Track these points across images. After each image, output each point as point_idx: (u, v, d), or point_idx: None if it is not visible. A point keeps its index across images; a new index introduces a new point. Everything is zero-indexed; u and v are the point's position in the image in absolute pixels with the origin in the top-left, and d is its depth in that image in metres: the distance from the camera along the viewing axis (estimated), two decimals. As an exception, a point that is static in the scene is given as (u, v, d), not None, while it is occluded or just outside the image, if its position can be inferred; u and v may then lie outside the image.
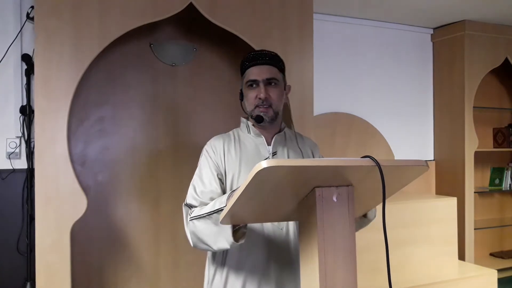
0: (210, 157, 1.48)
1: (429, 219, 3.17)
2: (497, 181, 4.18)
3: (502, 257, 4.02)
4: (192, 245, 1.39)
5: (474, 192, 3.80)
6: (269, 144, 1.52)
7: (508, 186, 4.15)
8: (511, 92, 4.40)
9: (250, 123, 1.54)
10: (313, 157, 1.60)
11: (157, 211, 2.67)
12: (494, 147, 4.24)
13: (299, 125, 2.49)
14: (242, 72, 1.52)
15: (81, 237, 2.42)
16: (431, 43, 4.07)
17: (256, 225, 1.43)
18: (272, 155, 1.50)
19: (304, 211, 1.10)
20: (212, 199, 1.40)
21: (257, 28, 2.42)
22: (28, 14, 2.46)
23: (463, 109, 3.75)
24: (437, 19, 3.78)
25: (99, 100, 2.54)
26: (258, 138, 1.52)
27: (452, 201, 3.30)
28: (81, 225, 2.19)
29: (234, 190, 1.28)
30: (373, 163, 0.99)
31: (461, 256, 3.52)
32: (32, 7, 2.38)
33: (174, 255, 2.69)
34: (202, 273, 2.64)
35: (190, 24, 2.67)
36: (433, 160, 4.05)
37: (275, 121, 1.50)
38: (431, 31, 4.05)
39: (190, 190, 1.46)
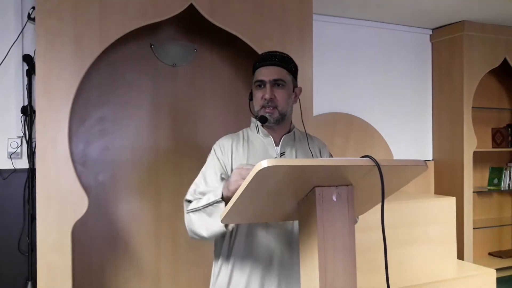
0: (217, 157, 1.51)
1: (428, 219, 3.18)
2: (495, 181, 4.19)
3: (501, 257, 4.03)
4: (190, 235, 1.44)
5: (473, 192, 3.81)
6: (277, 145, 1.53)
7: (506, 185, 4.16)
8: (510, 92, 4.41)
9: (259, 123, 1.55)
10: (321, 156, 1.61)
11: (158, 211, 2.68)
12: (492, 147, 4.25)
13: (299, 125, 2.50)
14: (253, 72, 1.54)
15: (82, 236, 2.43)
16: (430, 44, 4.08)
17: (260, 225, 1.44)
18: (280, 156, 1.51)
19: (304, 210, 1.11)
20: None
21: (257, 28, 2.43)
22: (29, 15, 2.47)
23: (462, 109, 3.76)
24: (436, 20, 3.79)
25: (100, 100, 2.55)
26: (267, 138, 1.54)
27: (451, 201, 3.31)
28: (82, 224, 2.20)
29: (227, 181, 1.32)
30: (372, 163, 1.00)
31: (460, 256, 3.53)
32: (33, 7, 2.39)
33: (175, 254, 2.70)
34: (202, 273, 2.67)
35: (191, 24, 2.67)
36: (432, 160, 4.06)
37: (281, 122, 1.51)
38: (430, 32, 4.06)
39: (192, 186, 1.49)
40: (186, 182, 1.54)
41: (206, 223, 1.35)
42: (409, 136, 3.97)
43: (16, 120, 2.50)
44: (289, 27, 2.51)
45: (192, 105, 2.75)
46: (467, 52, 3.75)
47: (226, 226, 1.31)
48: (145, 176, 2.65)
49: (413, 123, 4.00)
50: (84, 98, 2.47)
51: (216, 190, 1.36)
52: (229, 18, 2.36)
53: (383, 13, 3.57)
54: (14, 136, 2.51)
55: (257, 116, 1.50)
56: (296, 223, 1.48)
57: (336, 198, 1.06)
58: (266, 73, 1.49)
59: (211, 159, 1.52)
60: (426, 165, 1.10)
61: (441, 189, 3.95)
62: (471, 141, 3.77)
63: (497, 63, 3.89)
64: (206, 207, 1.35)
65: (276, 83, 1.49)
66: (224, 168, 1.49)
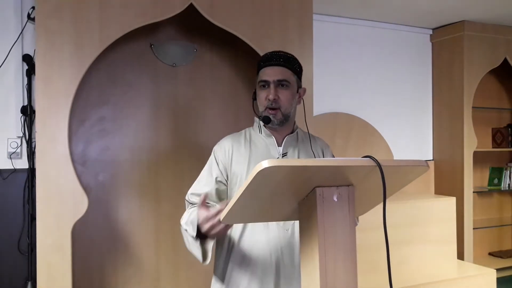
0: (215, 158, 1.51)
1: (428, 219, 3.18)
2: (496, 181, 4.19)
3: (501, 257, 4.03)
4: None
5: (473, 192, 3.81)
6: (279, 145, 1.52)
7: (507, 185, 4.16)
8: (510, 92, 4.41)
9: (262, 123, 1.54)
10: (323, 157, 1.60)
11: (157, 211, 2.67)
12: (493, 147, 4.25)
13: (299, 125, 2.50)
14: (257, 71, 1.53)
15: (82, 236, 2.43)
16: (430, 44, 4.08)
17: (260, 226, 1.44)
18: (282, 156, 1.51)
19: (304, 211, 1.10)
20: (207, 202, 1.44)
21: (257, 28, 2.43)
22: (29, 15, 2.46)
23: (462, 109, 3.76)
24: (436, 20, 3.79)
25: (100, 100, 2.55)
26: (269, 138, 1.53)
27: (451, 201, 3.31)
28: (82, 224, 2.20)
29: (197, 207, 1.35)
30: (373, 163, 1.00)
31: (460, 256, 3.53)
32: (33, 7, 2.39)
33: (175, 254, 2.70)
34: (202, 273, 2.66)
35: (191, 24, 2.67)
36: (432, 160, 4.06)
37: (285, 123, 1.50)
38: (431, 32, 4.05)
39: (192, 186, 1.53)
40: (186, 182, 1.54)
41: (189, 243, 1.39)
42: (409, 136, 3.97)
43: (16, 120, 2.50)
44: (289, 26, 2.51)
45: (192, 105, 2.75)
46: (467, 52, 3.75)
47: (204, 258, 1.37)
48: (145, 176, 2.65)
49: (413, 123, 4.00)
50: (84, 98, 2.47)
51: (193, 220, 1.35)
52: (229, 18, 2.36)
53: (383, 13, 3.57)
54: (14, 136, 2.50)
55: (260, 116, 1.49)
56: (296, 223, 1.48)
57: (337, 198, 1.06)
58: (270, 73, 1.48)
59: (210, 161, 1.54)
60: (428, 166, 1.10)
61: (441, 189, 3.95)
62: (471, 141, 3.77)
63: (497, 63, 3.89)
64: (186, 230, 1.39)
65: (281, 83, 1.47)
66: (224, 169, 1.49)
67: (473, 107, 3.79)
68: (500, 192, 4.28)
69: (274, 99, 1.45)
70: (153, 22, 2.23)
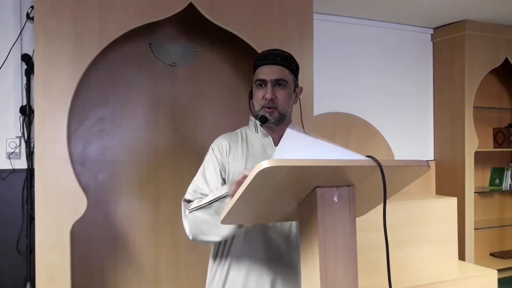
0: (215, 156, 1.48)
1: (429, 219, 3.17)
2: (497, 181, 4.18)
3: (502, 257, 4.02)
4: (191, 237, 1.39)
5: (474, 192, 3.80)
6: (276, 145, 1.50)
7: (508, 186, 4.15)
8: (511, 92, 4.40)
9: (258, 123, 1.53)
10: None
11: (157, 211, 2.67)
12: (494, 147, 4.24)
13: (299, 125, 2.49)
14: (254, 70, 1.51)
15: (81, 237, 2.42)
16: (431, 43, 4.07)
17: (257, 226, 1.43)
18: None
19: (304, 211, 1.10)
20: None
21: (257, 28, 2.42)
22: (28, 14, 2.46)
23: (463, 109, 3.75)
24: (437, 19, 3.78)
25: (99, 100, 2.54)
26: (266, 138, 1.52)
27: (452, 201, 3.30)
28: (81, 225, 2.19)
29: (235, 181, 1.27)
30: (374, 163, 0.99)
31: (461, 256, 3.52)
32: (32, 7, 2.38)
33: (174, 254, 2.69)
34: (202, 273, 2.65)
35: (190, 24, 2.67)
36: (433, 160, 4.05)
37: (281, 123, 1.49)
38: (431, 31, 4.05)
39: (191, 186, 1.47)
40: (186, 181, 1.52)
41: (215, 223, 1.31)
42: (410, 136, 3.96)
43: (14, 120, 2.49)
44: (289, 26, 2.50)
45: (191, 105, 2.75)
46: (468, 52, 3.74)
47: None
48: (144, 176, 2.64)
49: (414, 122, 3.99)
50: (83, 97, 2.46)
51: (222, 187, 1.34)
52: (229, 17, 2.35)
53: (383, 12, 3.56)
54: (12, 136, 2.50)
55: (257, 115, 1.48)
56: (294, 223, 1.47)
57: (337, 198, 1.05)
58: (267, 72, 1.46)
59: (209, 158, 1.50)
60: (429, 166, 1.09)
61: (442, 189, 3.94)
62: (473, 141, 3.76)
63: (498, 63, 3.88)
64: (212, 202, 1.32)
65: (278, 82, 1.46)
66: (222, 167, 1.47)
67: (474, 107, 3.78)
68: (502, 192, 4.27)
69: (272, 98, 1.44)
70: (152, 22, 2.22)
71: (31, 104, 2.44)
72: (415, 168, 1.08)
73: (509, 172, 4.16)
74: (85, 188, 2.13)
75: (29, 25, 2.48)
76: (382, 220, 1.02)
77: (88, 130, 2.53)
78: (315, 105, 2.61)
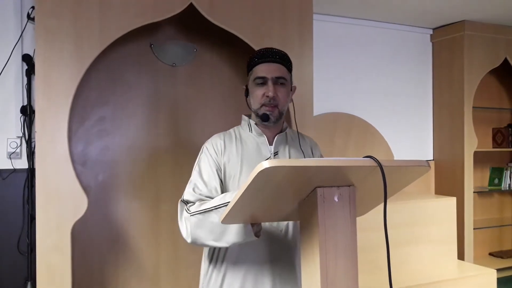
0: (211, 155, 1.46)
1: (429, 219, 3.18)
2: (496, 181, 4.19)
3: (501, 257, 4.03)
4: (190, 240, 1.35)
5: (474, 192, 3.81)
6: (270, 144, 1.50)
7: (507, 186, 4.16)
8: (510, 92, 4.41)
9: (252, 122, 1.52)
10: (313, 155, 1.59)
11: (157, 211, 2.67)
12: (493, 147, 4.25)
13: (299, 125, 2.49)
14: (250, 67, 1.49)
15: (82, 237, 2.43)
16: (430, 44, 4.08)
17: None
18: (274, 155, 1.49)
19: (305, 211, 1.10)
20: (210, 197, 1.38)
21: (257, 28, 2.42)
22: (28, 15, 2.46)
23: (463, 109, 3.75)
24: (436, 20, 3.79)
25: (99, 100, 2.54)
26: (260, 137, 1.51)
27: (452, 201, 3.31)
28: (81, 225, 2.19)
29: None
30: (374, 164, 0.99)
31: (461, 256, 3.52)
32: (33, 7, 2.38)
33: (175, 254, 2.70)
34: (202, 273, 2.66)
35: (191, 24, 2.67)
36: (433, 160, 4.06)
37: (279, 121, 1.49)
38: (431, 32, 4.05)
39: (188, 187, 1.44)
40: (186, 181, 1.52)
41: (221, 228, 1.28)
42: (409, 136, 3.97)
43: (15, 120, 2.49)
44: (289, 26, 2.51)
45: (192, 105, 2.75)
46: (467, 52, 3.74)
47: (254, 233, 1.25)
48: (145, 176, 2.65)
49: (413, 123, 4.00)
50: (83, 98, 2.46)
51: (231, 192, 1.32)
52: (229, 18, 2.36)
53: (383, 12, 3.57)
54: (13, 136, 2.50)
55: (257, 114, 1.46)
56: (289, 224, 1.47)
57: (338, 198, 1.06)
58: (268, 70, 1.45)
59: (204, 157, 1.47)
60: (429, 166, 1.10)
61: (442, 189, 3.95)
62: (472, 141, 3.77)
63: (497, 63, 3.88)
64: (220, 207, 1.29)
65: (278, 81, 1.46)
66: (218, 167, 1.45)
67: (473, 107, 3.79)
68: (501, 192, 4.28)
69: (273, 96, 1.43)
70: (153, 22, 2.22)
71: (32, 104, 2.44)
72: (415, 168, 1.09)
73: (508, 172, 4.17)
74: (85, 188, 2.14)
75: (29, 25, 2.48)
76: (382, 220, 1.02)
77: (88, 130, 2.53)
78: (315, 105, 2.62)
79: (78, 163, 2.47)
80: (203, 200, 1.39)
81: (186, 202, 1.41)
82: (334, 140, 3.54)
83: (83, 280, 2.47)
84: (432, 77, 4.08)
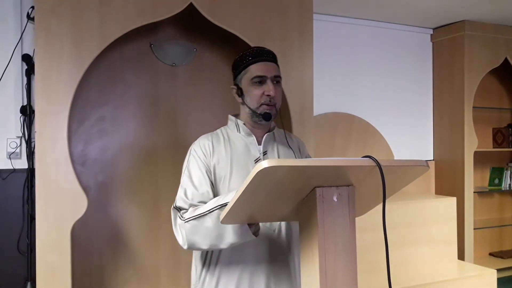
0: (199, 157, 1.44)
1: (429, 219, 3.18)
2: (496, 181, 4.19)
3: (502, 257, 4.03)
4: (186, 247, 1.34)
5: (474, 192, 3.80)
6: (259, 144, 1.49)
7: (507, 186, 4.15)
8: (510, 92, 4.41)
9: (240, 122, 1.50)
10: (300, 154, 1.59)
11: (157, 211, 2.67)
12: (493, 147, 4.25)
13: (299, 125, 2.50)
14: (243, 66, 1.47)
15: (82, 237, 2.43)
16: (430, 43, 4.07)
17: None
18: (263, 155, 1.49)
19: (304, 211, 1.10)
20: (203, 202, 1.36)
21: (257, 28, 2.42)
22: (28, 14, 2.46)
23: (463, 109, 3.75)
24: (436, 19, 3.78)
25: (99, 100, 2.54)
26: (249, 137, 1.49)
27: (452, 201, 3.31)
28: (81, 225, 2.20)
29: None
30: (373, 163, 0.99)
31: (461, 256, 3.52)
32: (32, 7, 2.38)
33: (174, 254, 2.69)
34: (202, 273, 2.66)
35: (191, 24, 2.67)
36: (433, 160, 4.06)
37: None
38: (431, 31, 4.05)
39: (180, 192, 1.41)
40: (186, 182, 1.52)
41: (218, 231, 1.26)
42: (409, 136, 3.96)
43: (15, 120, 2.50)
44: (289, 26, 2.51)
45: (192, 105, 2.75)
46: (467, 52, 3.74)
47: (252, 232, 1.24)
48: (145, 176, 2.65)
49: (413, 123, 3.99)
50: (83, 98, 2.46)
51: (224, 195, 1.30)
52: (229, 18, 2.36)
53: (383, 12, 3.57)
54: (13, 136, 2.50)
55: (257, 113, 1.45)
56: (282, 224, 1.46)
57: (337, 198, 1.06)
58: (266, 69, 1.44)
59: (193, 160, 1.44)
60: (428, 166, 1.10)
61: (442, 189, 3.95)
62: (472, 141, 3.77)
63: (498, 63, 3.88)
64: (213, 210, 1.27)
65: (276, 80, 1.46)
66: (208, 169, 1.43)
67: (473, 107, 3.79)
68: (501, 192, 4.28)
69: (274, 95, 1.43)
70: (153, 22, 2.22)
71: (31, 104, 2.44)
72: (414, 168, 1.09)
73: (509, 172, 4.16)
74: (85, 188, 2.14)
75: (29, 25, 2.48)
76: (381, 220, 1.02)
77: (88, 130, 2.53)
78: (315, 105, 2.62)
79: (78, 163, 2.47)
80: (195, 205, 1.37)
81: (179, 209, 1.39)
82: (334, 140, 3.54)
83: (82, 280, 2.47)
84: (432, 77, 4.08)
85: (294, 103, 2.48)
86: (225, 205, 1.24)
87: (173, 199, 2.70)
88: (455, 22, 3.82)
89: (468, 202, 3.72)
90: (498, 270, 3.31)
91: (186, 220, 1.33)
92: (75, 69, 2.07)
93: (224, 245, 1.29)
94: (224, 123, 1.62)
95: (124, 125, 2.60)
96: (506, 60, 3.91)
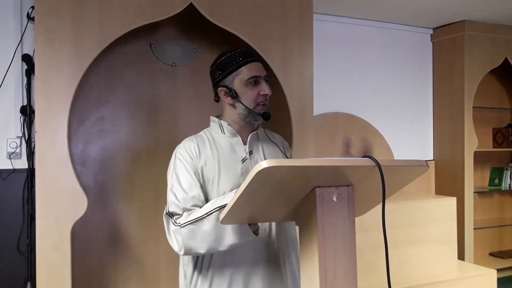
0: (186, 160, 1.42)
1: (429, 219, 3.18)
2: (496, 181, 4.19)
3: (502, 257, 4.03)
4: (182, 252, 1.32)
5: (474, 192, 3.80)
6: (244, 143, 1.49)
7: (507, 186, 4.16)
8: (510, 92, 4.41)
9: (224, 123, 1.50)
10: (285, 150, 1.61)
11: (157, 211, 2.67)
12: (493, 147, 4.25)
13: (299, 125, 2.50)
14: (234, 68, 1.45)
15: (82, 237, 2.43)
16: (430, 43, 4.08)
17: None
18: (249, 154, 1.49)
19: (304, 211, 1.10)
20: (195, 205, 1.35)
21: (257, 28, 2.42)
22: (28, 14, 2.46)
23: (463, 109, 3.75)
24: (436, 19, 3.78)
25: (99, 100, 2.54)
26: (234, 137, 1.49)
27: (452, 201, 3.31)
28: (81, 225, 2.19)
29: (236, 191, 1.23)
30: (373, 163, 0.99)
31: (461, 256, 3.52)
32: (32, 7, 2.38)
33: (175, 254, 2.68)
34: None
35: (190, 24, 2.67)
36: (433, 160, 4.06)
37: None
38: (431, 31, 4.05)
39: (171, 197, 1.39)
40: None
41: (217, 233, 1.25)
42: (409, 136, 3.97)
43: (15, 120, 2.50)
44: (289, 26, 2.51)
45: (191, 105, 2.75)
46: (467, 52, 3.74)
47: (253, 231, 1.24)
48: (145, 176, 2.65)
49: (413, 123, 4.00)
50: (83, 98, 2.46)
51: (220, 198, 1.30)
52: (229, 18, 2.36)
53: (383, 12, 3.57)
54: (13, 136, 2.50)
55: (257, 113, 1.45)
56: (273, 224, 1.46)
57: (336, 198, 1.06)
58: (259, 69, 1.46)
59: (180, 164, 1.42)
60: (428, 165, 1.10)
61: (442, 189, 3.95)
62: (472, 141, 3.77)
63: (498, 63, 3.88)
64: (211, 213, 1.26)
65: (265, 78, 1.48)
66: (197, 171, 1.41)
67: (473, 107, 3.79)
68: (501, 192, 4.28)
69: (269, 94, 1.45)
70: (152, 22, 2.22)
71: (31, 104, 2.44)
72: (414, 168, 1.09)
73: (509, 172, 4.16)
74: (85, 188, 2.14)
75: (29, 25, 2.48)
76: (381, 220, 1.03)
77: (88, 130, 2.53)
78: (315, 105, 2.62)
79: (78, 163, 2.47)
80: (189, 209, 1.35)
81: (171, 215, 1.37)
82: (334, 140, 3.54)
83: (82, 280, 2.47)
84: (432, 77, 4.08)
85: (294, 103, 2.48)
86: (223, 207, 1.23)
87: (173, 199, 2.69)
88: (455, 22, 3.82)
89: (468, 202, 3.72)
90: (498, 270, 3.31)
91: (182, 225, 1.31)
92: (75, 69, 2.07)
93: (223, 247, 1.28)
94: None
95: (124, 125, 2.61)
96: (506, 60, 3.91)
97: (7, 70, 2.44)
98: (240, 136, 1.50)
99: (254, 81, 1.45)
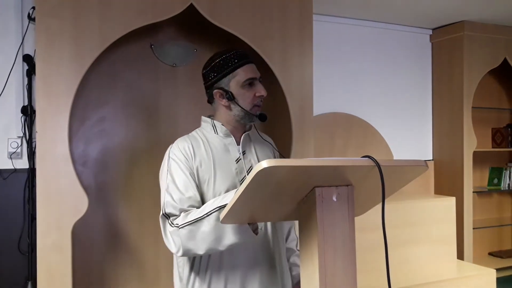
0: (181, 161, 1.41)
1: (428, 219, 3.18)
2: (495, 181, 4.19)
3: (501, 257, 4.04)
4: (181, 254, 1.31)
5: (473, 192, 3.81)
6: (238, 144, 1.50)
7: (506, 185, 4.16)
8: (510, 92, 4.42)
9: (217, 123, 1.50)
10: (274, 152, 1.63)
11: (157, 211, 2.66)
12: (492, 147, 4.26)
13: (299, 125, 2.50)
14: (230, 70, 1.45)
15: (82, 236, 2.43)
16: (430, 44, 4.08)
17: None
18: (243, 154, 1.50)
19: (304, 211, 1.11)
20: (192, 206, 1.35)
21: (257, 28, 2.43)
22: (29, 15, 2.47)
23: (462, 109, 3.76)
24: (436, 20, 3.79)
25: (100, 101, 2.55)
26: (227, 138, 1.50)
27: (451, 201, 3.31)
28: (82, 225, 2.20)
29: (236, 190, 1.24)
30: (372, 163, 1.00)
31: (460, 256, 3.53)
32: (33, 7, 2.39)
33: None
34: (202, 273, 2.66)
35: (191, 25, 2.67)
36: (432, 160, 4.06)
37: None
38: (430, 32, 4.06)
39: (167, 198, 1.38)
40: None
41: (217, 233, 1.24)
42: (409, 136, 3.97)
43: (16, 120, 2.50)
44: (289, 27, 2.52)
45: (192, 105, 2.75)
46: (467, 52, 3.75)
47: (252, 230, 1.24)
48: (145, 176, 2.65)
49: (413, 123, 4.00)
50: (84, 98, 2.47)
51: (219, 198, 1.29)
52: (229, 18, 2.36)
53: (383, 13, 3.57)
54: (14, 136, 2.51)
55: (254, 115, 1.46)
56: (269, 224, 1.47)
57: (336, 198, 1.06)
58: (254, 71, 1.47)
59: (174, 164, 1.41)
60: (427, 165, 1.10)
61: (441, 189, 3.96)
62: (471, 141, 3.77)
63: (497, 63, 3.89)
64: (210, 213, 1.25)
65: (260, 80, 1.49)
66: (192, 171, 1.41)
67: (472, 107, 3.79)
68: (500, 192, 4.28)
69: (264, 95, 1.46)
70: (153, 23, 2.23)
71: (32, 104, 2.45)
72: (413, 168, 1.09)
73: (508, 172, 4.17)
74: (86, 188, 2.14)
75: (30, 26, 2.49)
76: (381, 220, 1.03)
77: (89, 130, 2.53)
78: (315, 105, 2.62)
79: (79, 163, 2.48)
80: (186, 210, 1.34)
81: (168, 216, 1.36)
82: (333, 140, 3.55)
83: (83, 280, 2.47)
84: (431, 77, 4.09)
85: (294, 103, 2.49)
86: (223, 207, 1.23)
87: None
88: (455, 23, 3.82)
89: (467, 202, 3.72)
90: (497, 270, 3.31)
91: (180, 226, 1.30)
92: (76, 69, 2.08)
93: (222, 247, 1.27)
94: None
95: (124, 125, 2.61)
96: (505, 60, 3.92)
97: (10, 71, 2.44)
98: (235, 136, 1.51)
99: (250, 83, 1.45)
